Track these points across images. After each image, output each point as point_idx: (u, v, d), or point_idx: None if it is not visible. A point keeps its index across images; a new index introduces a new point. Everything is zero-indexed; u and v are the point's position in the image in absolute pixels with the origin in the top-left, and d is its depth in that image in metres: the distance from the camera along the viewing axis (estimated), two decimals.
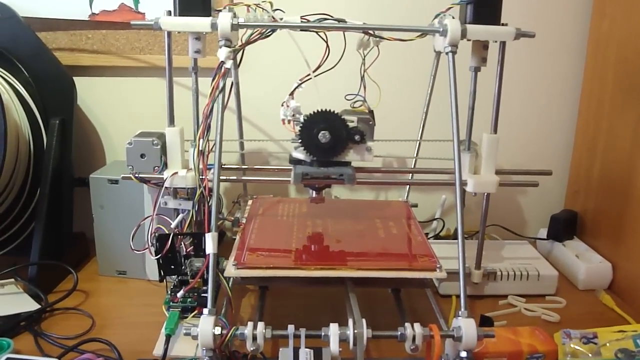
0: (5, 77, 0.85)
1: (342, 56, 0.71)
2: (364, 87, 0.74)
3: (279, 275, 0.65)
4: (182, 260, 0.72)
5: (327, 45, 0.70)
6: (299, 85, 0.71)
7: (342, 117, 0.66)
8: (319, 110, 0.66)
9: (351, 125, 0.67)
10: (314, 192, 0.73)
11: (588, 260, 0.90)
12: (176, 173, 0.71)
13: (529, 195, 1.09)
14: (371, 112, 0.71)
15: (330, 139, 0.66)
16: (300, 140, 0.67)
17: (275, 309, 0.75)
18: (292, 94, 0.70)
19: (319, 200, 0.74)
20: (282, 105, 0.69)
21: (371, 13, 0.95)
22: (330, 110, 0.66)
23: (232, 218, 0.79)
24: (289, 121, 0.68)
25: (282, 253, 0.70)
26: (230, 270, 0.65)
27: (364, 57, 0.74)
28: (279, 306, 0.77)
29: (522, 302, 0.82)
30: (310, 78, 0.71)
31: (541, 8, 0.99)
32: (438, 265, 0.67)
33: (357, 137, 0.67)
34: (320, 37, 0.70)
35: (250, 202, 0.89)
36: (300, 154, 0.68)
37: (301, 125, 0.66)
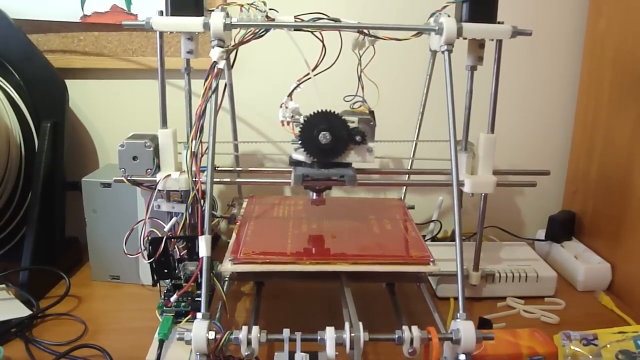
0: None
1: (338, 56, 0.70)
2: (362, 88, 0.73)
3: (275, 270, 0.66)
4: (176, 264, 0.71)
5: (323, 45, 0.69)
6: (297, 86, 0.69)
7: (343, 117, 0.66)
8: (320, 110, 0.65)
9: (352, 125, 0.66)
10: (314, 194, 0.72)
11: (587, 261, 0.89)
12: (169, 175, 0.70)
13: (527, 196, 1.08)
14: (371, 112, 0.71)
15: (331, 139, 0.65)
16: (300, 142, 0.66)
17: (270, 312, 0.74)
18: (290, 95, 0.69)
19: (320, 202, 0.73)
20: (281, 107, 0.68)
21: (366, 12, 0.94)
22: (330, 111, 0.65)
23: (229, 215, 0.78)
24: (288, 123, 0.68)
25: (278, 249, 0.71)
26: (227, 265, 0.66)
27: (360, 57, 0.73)
28: (274, 309, 0.76)
29: (521, 304, 0.81)
30: (309, 78, 0.69)
31: (537, 7, 0.98)
32: (431, 259, 0.68)
33: (358, 138, 0.66)
34: (316, 36, 0.69)
35: (246, 200, 0.89)
36: (300, 156, 0.67)
37: (301, 126, 0.65)
